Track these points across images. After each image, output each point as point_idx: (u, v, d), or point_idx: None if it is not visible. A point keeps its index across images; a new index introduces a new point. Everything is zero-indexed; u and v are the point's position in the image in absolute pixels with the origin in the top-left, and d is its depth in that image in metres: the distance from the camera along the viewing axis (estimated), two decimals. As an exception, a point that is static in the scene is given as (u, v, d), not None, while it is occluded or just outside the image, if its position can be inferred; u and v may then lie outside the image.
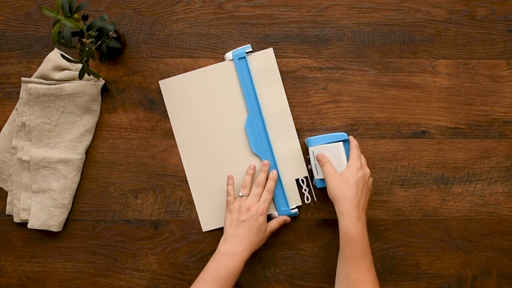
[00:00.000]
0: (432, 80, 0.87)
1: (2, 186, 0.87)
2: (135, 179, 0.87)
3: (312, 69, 0.87)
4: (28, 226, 0.84)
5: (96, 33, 0.74)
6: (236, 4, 0.87)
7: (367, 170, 0.79)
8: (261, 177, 0.83)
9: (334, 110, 0.87)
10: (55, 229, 0.85)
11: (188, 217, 0.87)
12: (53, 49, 0.87)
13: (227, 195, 0.83)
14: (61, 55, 0.76)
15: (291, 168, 0.86)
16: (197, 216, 0.87)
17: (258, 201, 0.81)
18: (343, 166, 0.79)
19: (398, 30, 0.87)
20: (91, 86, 0.84)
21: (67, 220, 0.86)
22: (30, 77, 0.86)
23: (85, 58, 0.74)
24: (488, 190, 0.87)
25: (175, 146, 0.87)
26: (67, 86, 0.84)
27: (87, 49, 0.74)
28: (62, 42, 0.70)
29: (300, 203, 0.86)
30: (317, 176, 0.83)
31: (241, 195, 0.82)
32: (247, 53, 0.85)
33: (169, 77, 0.87)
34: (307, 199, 0.86)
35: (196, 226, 0.87)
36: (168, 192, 0.87)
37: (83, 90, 0.84)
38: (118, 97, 0.87)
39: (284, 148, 0.86)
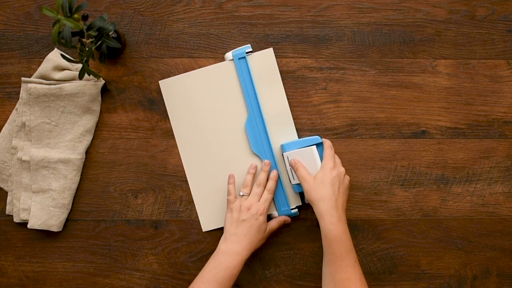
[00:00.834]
0: (432, 80, 0.87)
1: (2, 186, 0.87)
2: (135, 179, 0.87)
3: (312, 69, 0.87)
4: (28, 226, 0.84)
5: (96, 33, 0.74)
6: (236, 4, 0.87)
7: (341, 169, 0.79)
8: (262, 176, 0.83)
9: (334, 110, 0.87)
10: (55, 229, 0.85)
11: (188, 217, 0.87)
12: (53, 49, 0.87)
13: (228, 194, 0.83)
14: (61, 55, 0.76)
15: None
16: (197, 216, 0.87)
17: (259, 200, 0.81)
18: (317, 169, 0.79)
19: (398, 30, 0.87)
20: (91, 86, 0.84)
21: (67, 220, 0.86)
22: (30, 77, 0.86)
23: (85, 58, 0.74)
24: (488, 190, 0.87)
25: (175, 146, 0.87)
26: (67, 86, 0.84)
27: (87, 49, 0.74)
28: (62, 42, 0.70)
29: (300, 203, 0.86)
30: (293, 181, 0.83)
31: (241, 194, 0.82)
32: (247, 53, 0.85)
33: (169, 77, 0.87)
34: (307, 199, 0.86)
35: (196, 226, 0.87)
36: (168, 192, 0.87)
37: (83, 90, 0.84)
38: (118, 97, 0.87)
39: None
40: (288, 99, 0.86)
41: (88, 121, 0.86)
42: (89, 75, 0.77)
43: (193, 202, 0.87)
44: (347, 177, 0.80)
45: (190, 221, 0.87)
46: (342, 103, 0.87)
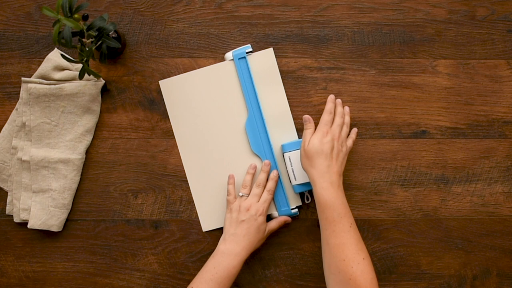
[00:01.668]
0: (432, 80, 0.87)
1: (2, 186, 0.87)
2: (135, 179, 0.87)
3: (312, 69, 0.87)
4: (28, 226, 0.84)
5: (96, 33, 0.74)
6: (236, 4, 0.87)
7: (336, 134, 0.78)
8: (261, 177, 0.83)
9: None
10: (55, 229, 0.85)
11: (188, 217, 0.87)
12: (53, 49, 0.87)
13: (227, 194, 0.83)
14: (61, 55, 0.76)
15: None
16: (197, 216, 0.87)
17: (258, 201, 0.81)
18: None
19: (398, 30, 0.87)
20: (91, 86, 0.84)
21: (67, 220, 0.86)
22: (30, 77, 0.86)
23: (85, 58, 0.74)
24: (488, 190, 0.87)
25: (175, 146, 0.87)
26: (67, 86, 0.84)
27: (87, 49, 0.74)
28: (62, 42, 0.70)
29: (300, 203, 0.86)
30: (294, 182, 0.83)
31: (241, 194, 0.82)
32: (247, 53, 0.85)
33: (169, 77, 0.87)
34: (307, 199, 0.86)
35: (196, 226, 0.87)
36: (168, 192, 0.87)
37: (83, 90, 0.84)
38: (118, 97, 0.87)
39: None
40: (288, 99, 0.86)
41: (88, 121, 0.86)
42: (89, 75, 0.77)
43: (193, 202, 0.87)
44: (345, 143, 0.79)
45: (190, 221, 0.87)
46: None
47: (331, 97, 0.84)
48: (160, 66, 0.87)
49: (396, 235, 0.87)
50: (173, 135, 0.87)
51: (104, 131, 0.87)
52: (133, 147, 0.87)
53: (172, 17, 0.87)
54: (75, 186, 0.86)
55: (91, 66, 0.86)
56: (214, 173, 0.87)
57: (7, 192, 0.86)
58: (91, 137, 0.87)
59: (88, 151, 0.87)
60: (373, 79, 0.87)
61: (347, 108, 0.84)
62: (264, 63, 0.86)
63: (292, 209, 0.85)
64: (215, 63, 0.87)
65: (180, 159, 0.87)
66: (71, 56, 0.85)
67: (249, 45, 0.86)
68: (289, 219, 0.85)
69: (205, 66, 0.87)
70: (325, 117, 0.80)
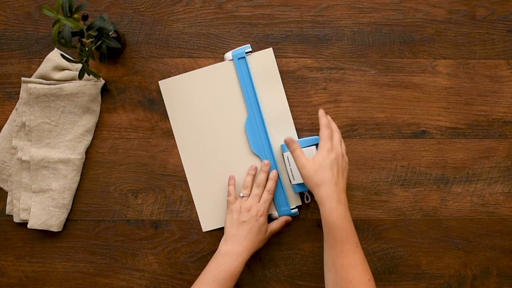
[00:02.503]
0: (432, 80, 0.87)
1: (2, 186, 0.87)
2: (135, 179, 0.87)
3: (312, 69, 0.87)
4: (28, 226, 0.84)
5: (96, 33, 0.74)
6: (236, 4, 0.87)
7: (339, 150, 0.76)
8: (261, 177, 0.83)
9: (334, 110, 0.87)
10: (55, 229, 0.85)
11: (188, 217, 0.87)
12: (53, 49, 0.87)
13: (228, 195, 0.83)
14: (61, 55, 0.76)
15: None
16: (197, 216, 0.87)
17: (259, 201, 0.81)
18: None
19: (398, 30, 0.87)
20: (91, 86, 0.84)
21: (67, 220, 0.86)
22: (30, 77, 0.86)
23: (85, 58, 0.74)
24: (488, 190, 0.87)
25: (175, 146, 0.87)
26: (67, 86, 0.84)
27: (87, 49, 0.74)
28: (62, 42, 0.70)
29: (300, 203, 0.86)
30: (293, 182, 0.83)
31: (241, 195, 0.82)
32: (246, 53, 0.85)
33: (169, 77, 0.87)
34: (307, 199, 0.86)
35: (196, 226, 0.87)
36: (168, 192, 0.87)
37: (83, 90, 0.84)
38: (118, 97, 0.87)
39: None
40: (288, 99, 0.86)
41: (88, 121, 0.86)
42: (89, 75, 0.77)
43: (193, 202, 0.87)
44: (346, 158, 0.78)
45: (190, 221, 0.87)
46: (342, 103, 0.87)
47: (322, 111, 0.80)
48: (160, 66, 0.87)
49: (396, 235, 0.87)
50: (173, 135, 0.87)
51: (104, 131, 0.87)
52: (133, 147, 0.87)
53: (172, 17, 0.87)
54: (75, 186, 0.86)
55: (91, 66, 0.86)
56: (213, 173, 0.87)
57: (7, 192, 0.86)
58: (91, 137, 0.87)
59: (88, 151, 0.87)
60: (373, 79, 0.87)
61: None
62: (264, 63, 0.86)
63: (292, 209, 0.85)
64: (215, 63, 0.87)
65: (180, 159, 0.87)
66: (71, 56, 0.85)
67: (249, 45, 0.86)
68: (290, 218, 0.85)
69: (205, 66, 0.87)
70: (326, 132, 0.77)
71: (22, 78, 0.85)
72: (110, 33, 0.78)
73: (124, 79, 0.87)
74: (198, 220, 0.87)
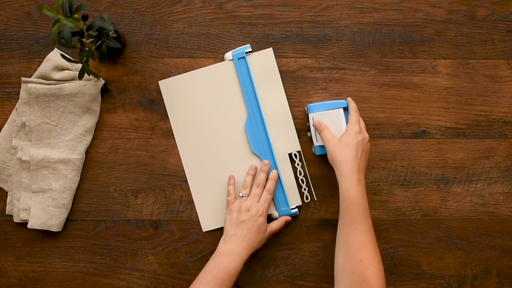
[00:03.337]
0: (432, 80, 0.87)
1: (2, 186, 0.87)
2: (135, 179, 0.87)
3: (312, 69, 0.87)
4: (28, 226, 0.84)
5: (96, 33, 0.74)
6: (236, 4, 0.87)
7: (366, 134, 0.78)
8: (261, 177, 0.83)
9: (334, 110, 0.87)
10: (55, 229, 0.85)
11: (188, 217, 0.87)
12: (53, 49, 0.87)
13: (227, 195, 0.83)
14: (61, 55, 0.76)
15: (291, 168, 0.86)
16: (197, 216, 0.87)
17: (258, 201, 0.81)
18: (342, 132, 0.79)
19: (398, 30, 0.87)
20: (91, 86, 0.84)
21: (67, 220, 0.86)
22: (30, 77, 0.86)
23: (85, 58, 0.74)
24: (488, 190, 0.87)
25: (175, 146, 0.87)
26: (67, 86, 0.84)
27: (87, 49, 0.74)
28: (62, 42, 0.70)
29: (300, 203, 0.86)
30: (316, 143, 0.83)
31: (241, 195, 0.82)
32: (246, 53, 0.85)
33: (169, 77, 0.87)
34: (306, 198, 0.86)
35: (196, 226, 0.87)
36: (168, 192, 0.87)
37: (83, 90, 0.84)
38: (118, 97, 0.87)
39: (284, 148, 0.86)
40: (288, 99, 0.86)
41: (88, 121, 0.86)
42: (89, 75, 0.77)
43: (193, 202, 0.87)
44: (369, 144, 0.79)
45: (190, 221, 0.87)
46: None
47: (351, 98, 0.81)
48: (160, 66, 0.87)
49: (396, 235, 0.87)
50: (173, 135, 0.87)
51: (104, 131, 0.87)
52: (133, 147, 0.87)
53: (172, 17, 0.87)
54: (75, 186, 0.86)
55: (91, 66, 0.86)
56: (213, 173, 0.87)
57: (7, 192, 0.87)
58: (91, 137, 0.87)
59: (88, 151, 0.87)
60: (373, 79, 0.87)
61: None
62: (264, 63, 0.86)
63: (292, 209, 0.85)
64: (215, 63, 0.87)
65: (180, 159, 0.87)
66: (71, 56, 0.85)
67: (249, 45, 0.86)
68: (290, 218, 0.85)
69: (205, 66, 0.87)
70: (355, 116, 0.79)
71: (22, 78, 0.85)
72: (110, 33, 0.78)
73: (124, 79, 0.87)
74: (198, 220, 0.87)
